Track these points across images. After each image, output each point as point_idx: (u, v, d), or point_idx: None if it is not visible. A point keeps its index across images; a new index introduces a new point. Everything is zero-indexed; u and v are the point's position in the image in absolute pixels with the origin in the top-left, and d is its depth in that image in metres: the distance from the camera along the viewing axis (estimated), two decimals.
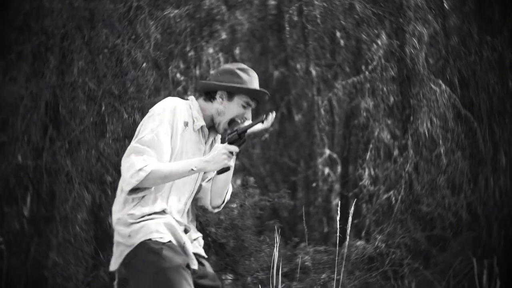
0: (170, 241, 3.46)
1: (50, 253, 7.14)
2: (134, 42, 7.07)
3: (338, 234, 5.03)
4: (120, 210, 3.52)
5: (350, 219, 4.91)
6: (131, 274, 3.48)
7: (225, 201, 3.87)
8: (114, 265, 3.57)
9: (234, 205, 6.69)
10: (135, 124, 6.47)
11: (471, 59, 7.27)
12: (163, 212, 3.53)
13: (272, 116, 3.58)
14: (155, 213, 3.50)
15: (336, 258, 5.26)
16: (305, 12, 7.90)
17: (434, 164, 7.21)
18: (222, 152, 3.48)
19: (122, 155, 3.51)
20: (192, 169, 3.47)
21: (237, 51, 9.28)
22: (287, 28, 8.19)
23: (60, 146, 7.06)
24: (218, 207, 3.86)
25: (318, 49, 8.55)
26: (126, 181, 3.41)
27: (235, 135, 3.58)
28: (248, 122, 3.68)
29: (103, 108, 7.06)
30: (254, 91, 3.68)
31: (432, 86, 7.16)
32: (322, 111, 9.13)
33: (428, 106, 7.19)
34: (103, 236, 7.21)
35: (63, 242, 7.11)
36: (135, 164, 3.40)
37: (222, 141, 3.64)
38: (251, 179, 7.01)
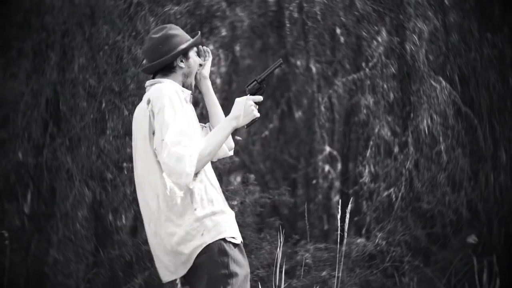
0: (241, 242, 3.50)
1: (50, 250, 7.14)
2: (134, 39, 7.07)
3: (339, 232, 5.04)
4: (183, 215, 3.46)
5: (347, 216, 4.92)
6: (200, 273, 3.45)
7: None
8: (179, 272, 3.51)
9: (235, 203, 6.69)
10: None
11: (471, 56, 7.26)
12: (223, 201, 3.58)
13: (280, 60, 3.69)
14: (221, 211, 3.52)
15: (337, 256, 5.27)
16: (305, 8, 7.89)
17: (435, 161, 7.21)
18: (249, 104, 3.53)
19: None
20: (229, 130, 3.51)
21: (237, 47, 9.27)
22: (287, 25, 8.18)
23: (61, 143, 7.06)
24: (232, 147, 3.94)
25: (318, 46, 8.54)
26: (184, 174, 3.35)
27: (256, 85, 3.66)
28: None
29: (104, 105, 7.06)
30: (198, 39, 3.80)
31: (433, 83, 7.15)
32: (322, 108, 9.12)
33: (428, 103, 7.19)
34: (104, 233, 7.21)
35: (63, 239, 7.10)
36: (181, 154, 3.35)
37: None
38: (251, 176, 7.01)
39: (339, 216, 5.09)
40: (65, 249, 7.10)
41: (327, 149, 9.42)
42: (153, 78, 3.74)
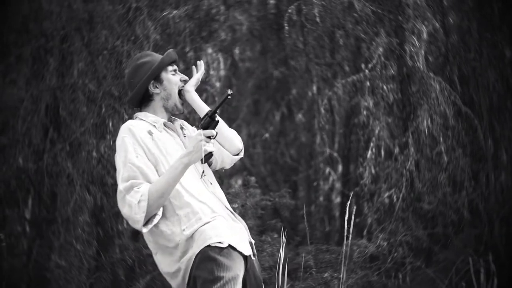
0: (229, 246, 3.43)
1: (52, 255, 7.14)
2: (133, 43, 7.07)
3: (346, 233, 5.04)
4: (172, 238, 3.45)
5: (346, 217, 4.92)
6: (193, 279, 3.43)
7: (241, 142, 3.87)
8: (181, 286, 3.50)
9: (236, 205, 6.69)
10: None
11: (470, 56, 7.26)
12: (212, 212, 3.52)
13: (228, 92, 3.52)
14: (205, 217, 3.48)
15: (342, 257, 5.26)
16: (304, 11, 7.88)
17: (435, 161, 7.20)
18: (199, 139, 3.44)
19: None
20: (181, 168, 3.42)
21: (236, 50, 9.27)
22: (286, 28, 8.17)
23: (61, 148, 7.07)
24: (239, 150, 3.85)
25: (317, 48, 8.53)
26: (136, 220, 3.37)
27: (207, 119, 3.55)
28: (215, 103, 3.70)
29: (103, 109, 7.06)
30: (167, 58, 3.69)
31: (432, 83, 7.15)
32: (322, 110, 9.11)
33: (428, 104, 7.18)
34: (105, 237, 7.21)
35: (65, 244, 7.10)
36: (131, 201, 3.37)
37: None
38: (252, 179, 7.01)
39: (346, 218, 5.09)
40: (66, 254, 7.10)
41: (328, 151, 9.42)
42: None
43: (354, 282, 6.79)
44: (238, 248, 3.46)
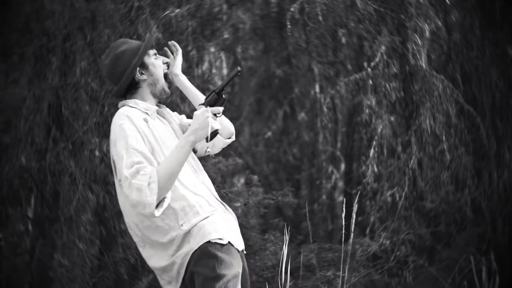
0: (229, 242, 3.38)
1: (55, 254, 7.14)
2: None
3: (344, 230, 5.03)
4: (168, 232, 3.39)
5: (343, 214, 4.91)
6: (196, 281, 3.36)
7: (232, 126, 3.81)
8: (174, 282, 3.44)
9: (238, 204, 6.69)
10: None
11: (473, 54, 7.26)
12: (209, 205, 3.46)
13: (238, 69, 3.48)
14: (203, 211, 3.42)
15: (342, 255, 5.27)
16: (307, 9, 7.88)
17: (438, 160, 7.20)
18: (206, 116, 3.36)
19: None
20: (187, 147, 3.34)
21: (239, 49, 9.27)
22: (289, 26, 8.18)
23: (64, 147, 7.08)
24: (232, 134, 3.79)
25: (320, 47, 8.53)
26: (147, 204, 3.24)
27: (214, 95, 3.47)
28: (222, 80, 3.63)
29: (106, 108, 7.07)
30: (149, 43, 3.60)
31: (435, 82, 7.15)
32: (325, 109, 9.12)
33: (430, 102, 7.18)
34: (108, 236, 7.22)
35: (67, 243, 7.11)
36: (140, 184, 3.25)
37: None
38: (255, 177, 7.01)
39: (343, 215, 5.09)
40: (69, 253, 7.10)
41: (330, 149, 9.43)
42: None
43: (357, 281, 6.80)
44: (235, 245, 3.43)
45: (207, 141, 3.41)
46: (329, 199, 9.51)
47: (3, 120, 7.27)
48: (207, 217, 3.41)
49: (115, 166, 3.41)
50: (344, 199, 5.59)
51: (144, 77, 3.59)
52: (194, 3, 7.46)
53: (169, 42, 3.79)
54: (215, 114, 3.39)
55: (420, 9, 7.27)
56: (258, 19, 8.36)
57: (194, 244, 3.34)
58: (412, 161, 7.23)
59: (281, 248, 5.62)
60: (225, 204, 3.64)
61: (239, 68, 3.46)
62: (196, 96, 3.77)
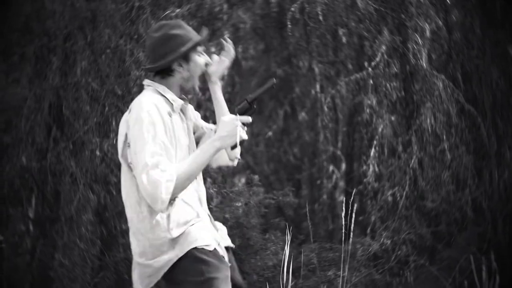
0: (215, 249, 3.32)
1: (55, 254, 7.14)
2: (136, 42, 7.08)
3: (343, 230, 5.03)
4: (153, 228, 3.30)
5: (343, 213, 4.91)
6: (176, 284, 3.31)
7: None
8: (143, 284, 3.37)
9: (239, 204, 6.69)
10: None
11: (473, 53, 7.26)
12: (197, 216, 3.38)
13: (273, 81, 3.42)
14: (192, 219, 3.35)
15: (343, 255, 5.26)
16: (307, 9, 7.87)
17: (438, 159, 7.20)
18: (235, 124, 3.29)
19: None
20: (212, 152, 3.30)
21: (239, 49, 9.27)
22: (289, 26, 8.17)
23: (64, 147, 7.08)
24: (236, 156, 3.65)
25: (320, 46, 8.54)
26: (160, 200, 3.20)
27: (245, 104, 3.42)
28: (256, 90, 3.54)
29: (107, 108, 7.07)
30: (202, 40, 3.51)
31: (435, 81, 7.15)
32: (326, 108, 9.12)
33: (431, 102, 7.18)
34: (109, 236, 7.21)
35: (68, 243, 7.11)
36: (157, 179, 3.19)
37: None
38: (256, 177, 7.00)
39: (343, 214, 5.08)
40: (70, 253, 7.10)
41: (331, 149, 9.43)
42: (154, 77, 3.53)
43: (358, 281, 6.80)
44: (220, 252, 3.38)
45: (231, 150, 3.37)
46: (330, 199, 9.51)
47: (3, 120, 7.28)
48: (194, 224, 3.35)
49: (129, 144, 3.33)
50: (344, 199, 5.57)
51: (181, 69, 3.47)
52: (195, 2, 7.46)
53: (227, 40, 3.68)
54: (244, 124, 3.34)
55: (421, 8, 7.27)
56: (258, 19, 8.37)
57: (179, 251, 3.29)
58: (412, 161, 7.23)
59: (282, 248, 5.63)
60: (211, 217, 3.55)
61: (274, 80, 3.41)
62: (223, 109, 3.66)
